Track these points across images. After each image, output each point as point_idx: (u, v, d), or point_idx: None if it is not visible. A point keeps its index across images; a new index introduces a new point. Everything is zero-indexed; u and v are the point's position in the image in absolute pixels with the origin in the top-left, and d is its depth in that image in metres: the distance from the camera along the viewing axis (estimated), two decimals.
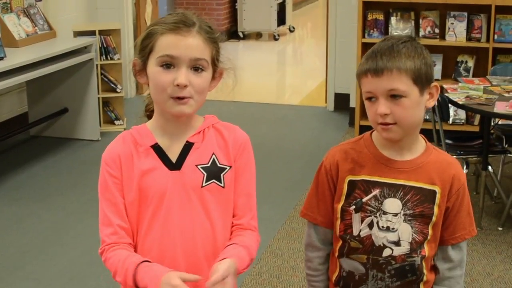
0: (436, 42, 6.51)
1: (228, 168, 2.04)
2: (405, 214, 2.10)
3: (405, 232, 2.10)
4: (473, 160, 4.97)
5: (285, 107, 8.00)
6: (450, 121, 6.31)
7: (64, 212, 5.08)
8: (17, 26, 6.07)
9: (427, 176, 2.11)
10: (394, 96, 2.02)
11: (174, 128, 2.04)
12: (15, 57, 5.60)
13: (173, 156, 2.02)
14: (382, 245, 2.11)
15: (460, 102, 4.72)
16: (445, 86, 5.15)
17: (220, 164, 2.04)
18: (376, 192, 2.11)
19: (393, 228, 2.10)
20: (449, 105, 4.81)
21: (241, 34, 12.10)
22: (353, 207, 2.13)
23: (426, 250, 2.13)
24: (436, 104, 4.61)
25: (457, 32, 6.52)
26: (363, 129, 6.57)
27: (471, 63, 6.63)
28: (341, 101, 7.46)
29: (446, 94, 4.87)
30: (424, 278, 2.16)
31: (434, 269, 2.20)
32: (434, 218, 2.11)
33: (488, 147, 4.79)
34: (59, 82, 6.52)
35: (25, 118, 6.73)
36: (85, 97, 6.53)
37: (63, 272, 4.24)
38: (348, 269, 2.17)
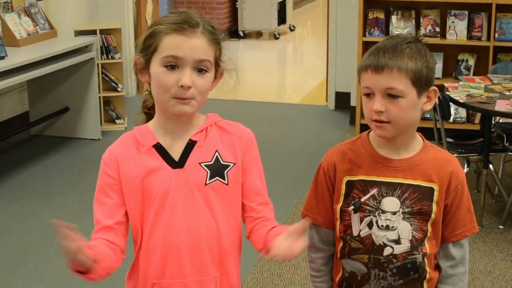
0: (436, 40, 6.50)
1: (232, 165, 2.04)
2: (403, 212, 2.10)
3: (405, 230, 2.11)
4: (474, 159, 4.97)
5: (285, 106, 8.01)
6: (451, 120, 6.31)
7: (65, 211, 5.08)
8: (18, 25, 6.07)
9: (425, 173, 2.11)
10: (391, 95, 2.02)
11: (175, 127, 2.03)
12: (16, 57, 5.61)
13: (176, 155, 2.02)
14: (382, 244, 2.11)
15: (461, 101, 4.72)
16: (446, 84, 5.16)
17: (223, 161, 2.03)
18: (374, 191, 2.11)
19: (393, 227, 2.10)
20: (450, 103, 4.81)
21: (241, 33, 12.10)
22: (352, 207, 2.13)
23: (427, 247, 2.13)
24: (437, 102, 4.61)
25: (457, 30, 6.52)
26: (364, 127, 6.54)
27: (471, 62, 6.63)
28: (342, 99, 7.46)
29: (447, 93, 4.87)
30: (427, 276, 2.16)
31: (437, 267, 2.20)
32: (433, 216, 2.11)
33: (489, 146, 4.80)
34: (60, 81, 6.53)
35: (26, 117, 6.74)
36: (86, 96, 6.54)
37: (64, 271, 4.21)
38: (350, 270, 2.18)
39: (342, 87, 7.52)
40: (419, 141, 2.16)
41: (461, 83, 5.21)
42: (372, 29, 6.69)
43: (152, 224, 2.01)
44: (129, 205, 2.04)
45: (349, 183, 2.14)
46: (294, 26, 13.02)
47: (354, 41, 6.79)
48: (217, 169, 2.02)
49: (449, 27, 6.55)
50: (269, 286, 4.12)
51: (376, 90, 2.03)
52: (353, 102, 7.04)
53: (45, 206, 5.19)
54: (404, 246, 2.11)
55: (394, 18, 6.68)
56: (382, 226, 2.11)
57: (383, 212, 2.10)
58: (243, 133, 2.10)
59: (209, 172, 2.01)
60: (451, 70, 6.68)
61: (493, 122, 5.12)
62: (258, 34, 12.35)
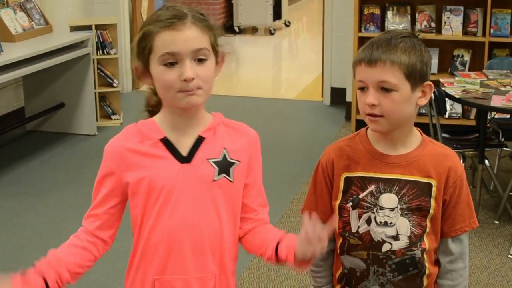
0: (432, 36, 6.51)
1: (237, 163, 2.04)
2: (401, 208, 2.10)
3: (403, 226, 2.11)
4: (469, 154, 4.98)
5: (281, 102, 8.01)
6: (447, 115, 6.32)
7: (62, 207, 5.09)
8: (14, 20, 6.06)
9: (423, 169, 2.11)
10: (384, 88, 2.02)
11: (183, 123, 2.02)
12: (12, 52, 5.60)
13: (183, 150, 2.01)
14: (381, 240, 2.11)
15: (457, 96, 4.73)
16: (441, 80, 5.16)
17: (230, 158, 2.03)
18: (372, 188, 2.11)
19: (391, 223, 2.11)
20: (446, 99, 4.82)
21: (236, 29, 12.09)
22: (350, 204, 2.13)
23: (426, 242, 2.13)
24: (433, 98, 4.62)
25: (453, 26, 6.53)
26: (360, 123, 6.57)
27: (467, 57, 6.64)
28: (338, 95, 7.46)
29: (442, 88, 4.87)
30: (427, 272, 2.16)
31: (437, 262, 2.20)
32: (431, 211, 2.11)
33: (484, 141, 4.81)
34: (56, 76, 6.52)
35: (22, 113, 6.73)
36: (81, 92, 6.53)
37: None
38: (350, 266, 2.18)
39: (337, 83, 7.52)
40: (417, 136, 2.16)
41: (456, 78, 5.21)
42: (368, 25, 6.69)
43: (156, 218, 2.00)
44: (131, 198, 2.03)
45: (347, 180, 2.14)
46: (289, 22, 13.02)
47: (350, 37, 6.79)
48: (224, 166, 2.02)
49: (445, 22, 6.55)
50: (265, 281, 4.12)
51: (369, 84, 2.03)
52: (348, 98, 7.05)
53: (41, 201, 5.19)
54: (403, 242, 2.11)
55: (389, 14, 6.68)
56: (380, 222, 2.11)
57: (381, 208, 2.11)
58: (250, 133, 2.11)
59: (217, 168, 2.01)
60: (447, 66, 6.68)
61: (489, 117, 5.13)
62: (254, 30, 12.35)
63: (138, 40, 1.99)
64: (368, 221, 2.12)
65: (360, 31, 6.68)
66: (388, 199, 2.11)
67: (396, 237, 2.11)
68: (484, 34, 6.41)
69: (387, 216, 2.11)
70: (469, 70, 6.44)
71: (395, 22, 6.66)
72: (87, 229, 2.07)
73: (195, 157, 2.00)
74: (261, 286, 4.08)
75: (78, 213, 5.04)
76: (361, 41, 6.61)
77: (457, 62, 6.66)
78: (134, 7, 8.13)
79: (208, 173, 2.00)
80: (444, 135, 4.99)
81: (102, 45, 6.82)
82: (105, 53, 6.86)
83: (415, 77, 2.03)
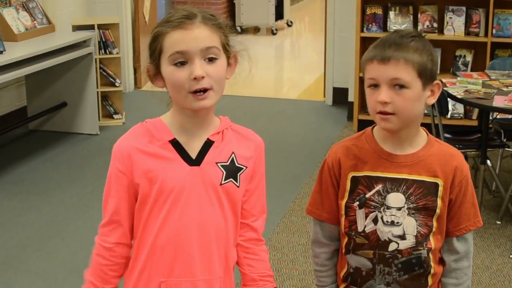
0: (434, 36, 6.51)
1: (244, 168, 2.04)
2: (408, 208, 2.11)
3: (410, 225, 2.11)
4: (471, 154, 4.98)
5: (283, 102, 8.00)
6: (449, 116, 6.32)
7: (64, 206, 5.09)
8: (16, 20, 6.07)
9: (429, 169, 2.12)
10: (397, 85, 2.02)
11: (192, 126, 2.01)
12: (14, 51, 5.60)
13: (192, 153, 2.00)
14: (387, 239, 2.12)
15: (459, 96, 4.73)
16: (443, 80, 5.16)
17: (238, 163, 2.03)
18: (379, 187, 2.12)
19: (398, 222, 2.11)
20: (448, 99, 4.82)
21: (239, 29, 12.09)
22: (357, 203, 2.14)
23: (432, 242, 2.14)
24: None
25: (455, 26, 6.53)
26: (362, 123, 6.58)
27: (469, 58, 6.64)
28: (340, 95, 7.46)
29: (445, 89, 4.87)
30: (432, 271, 2.17)
31: (441, 261, 2.21)
32: (438, 211, 2.12)
33: (486, 141, 4.81)
34: (58, 76, 6.52)
35: (24, 112, 6.73)
36: (84, 91, 6.53)
37: (63, 266, 4.25)
38: (355, 265, 2.18)
39: (339, 83, 7.52)
40: (423, 135, 2.17)
41: (459, 78, 5.21)
42: (370, 25, 6.70)
43: (164, 220, 1.99)
44: (139, 200, 2.01)
45: (354, 179, 2.15)
46: (291, 22, 13.02)
47: (352, 37, 6.79)
48: (232, 171, 2.02)
49: (447, 23, 6.55)
50: None
51: (381, 81, 2.03)
52: (350, 98, 7.04)
53: (43, 201, 5.19)
54: (409, 241, 2.12)
55: (392, 14, 6.68)
56: (387, 221, 2.11)
57: (388, 208, 2.11)
58: (257, 140, 2.12)
59: (224, 172, 2.01)
60: (449, 66, 6.68)
61: (491, 118, 5.13)
62: (256, 30, 12.35)
63: (150, 42, 1.99)
64: (375, 220, 2.12)
65: (362, 31, 6.68)
66: (396, 199, 2.11)
67: (402, 237, 2.12)
68: (486, 35, 6.41)
69: (394, 215, 2.11)
70: (471, 70, 6.44)
71: (397, 22, 6.66)
72: (108, 246, 2.05)
73: (204, 160, 2.00)
74: None
75: (80, 212, 5.08)
76: (363, 41, 6.61)
77: (459, 63, 6.66)
78: (136, 7, 8.13)
79: (216, 177, 2.00)
80: (446, 135, 4.99)
81: (104, 45, 6.82)
82: (107, 52, 6.86)
83: (426, 75, 2.05)
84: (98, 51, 6.75)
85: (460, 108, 6.54)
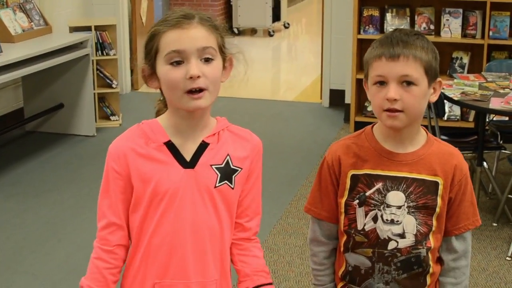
0: (431, 38, 6.42)
1: (239, 170, 2.04)
2: (408, 206, 2.11)
3: (410, 224, 2.12)
4: (468, 156, 4.98)
5: (280, 103, 8.01)
6: (445, 117, 6.32)
7: (61, 207, 5.08)
8: (13, 21, 6.06)
9: (429, 167, 2.12)
10: (405, 82, 2.03)
11: (187, 127, 2.00)
12: (11, 53, 5.59)
13: (187, 155, 2.00)
14: (387, 238, 2.12)
15: (456, 98, 4.74)
16: None
17: (233, 165, 2.03)
18: (379, 185, 2.12)
19: (397, 221, 2.11)
20: (444, 101, 4.83)
21: (236, 30, 12.10)
22: (357, 201, 2.14)
23: (432, 241, 2.14)
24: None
25: (452, 28, 6.54)
26: (358, 125, 6.58)
27: (466, 60, 6.65)
28: (336, 97, 7.47)
29: (441, 91, 4.87)
30: (430, 270, 2.17)
31: (440, 260, 2.21)
32: (438, 209, 2.12)
33: (483, 143, 4.81)
34: (55, 77, 6.52)
35: (21, 113, 6.73)
36: (80, 93, 6.53)
37: (60, 267, 4.25)
38: (354, 264, 2.19)
39: (336, 85, 7.52)
40: (423, 134, 2.18)
41: (455, 80, 5.22)
42: (367, 27, 6.70)
43: (158, 222, 1.99)
44: (133, 202, 2.01)
45: (354, 177, 2.15)
46: (288, 24, 13.03)
47: (349, 39, 6.80)
48: (227, 173, 2.01)
49: (444, 25, 6.56)
50: None
51: (390, 78, 2.03)
52: (347, 100, 7.05)
53: (40, 202, 5.19)
54: (409, 240, 2.12)
55: (388, 16, 6.69)
56: (387, 220, 2.12)
57: (388, 206, 2.11)
58: (255, 140, 2.11)
59: (219, 174, 2.00)
60: (446, 68, 6.69)
61: (487, 120, 5.14)
62: (253, 31, 12.36)
63: (146, 41, 1.99)
64: (375, 219, 2.12)
65: (359, 33, 6.69)
66: (396, 197, 2.12)
67: (402, 235, 2.12)
68: (483, 37, 6.42)
69: (394, 214, 2.11)
70: (468, 72, 6.45)
71: (394, 24, 6.66)
72: (109, 249, 2.03)
73: (199, 163, 1.99)
74: None
75: (77, 213, 5.07)
76: (360, 43, 6.62)
77: (456, 65, 6.67)
78: (133, 8, 8.13)
79: (211, 180, 2.00)
80: (443, 137, 5.00)
81: (101, 46, 6.82)
82: (104, 54, 6.86)
83: (432, 73, 2.07)
84: (95, 52, 6.75)
85: (456, 110, 6.55)
